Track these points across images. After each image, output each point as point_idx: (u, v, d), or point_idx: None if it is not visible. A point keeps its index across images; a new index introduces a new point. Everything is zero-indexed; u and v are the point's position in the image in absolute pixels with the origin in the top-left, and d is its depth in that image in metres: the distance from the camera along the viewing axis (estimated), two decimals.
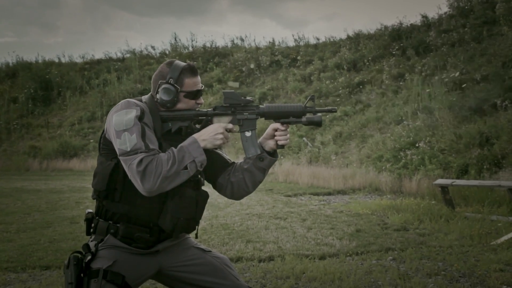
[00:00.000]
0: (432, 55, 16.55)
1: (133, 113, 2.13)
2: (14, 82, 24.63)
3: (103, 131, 2.26)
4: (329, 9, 51.55)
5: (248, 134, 2.35)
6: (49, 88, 23.95)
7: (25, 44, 47.13)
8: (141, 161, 2.06)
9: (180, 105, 2.28)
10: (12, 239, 6.72)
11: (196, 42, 25.38)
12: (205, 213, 8.74)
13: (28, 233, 7.10)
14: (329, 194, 11.33)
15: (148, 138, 2.13)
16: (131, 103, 2.19)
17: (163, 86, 2.24)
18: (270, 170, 14.53)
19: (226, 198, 10.70)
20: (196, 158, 2.14)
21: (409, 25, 19.12)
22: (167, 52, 25.02)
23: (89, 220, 2.30)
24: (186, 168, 2.11)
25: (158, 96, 2.25)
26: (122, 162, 2.10)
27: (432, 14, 19.84)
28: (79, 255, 2.18)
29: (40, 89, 23.73)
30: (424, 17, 19.04)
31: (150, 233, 2.26)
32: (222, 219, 8.02)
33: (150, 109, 2.25)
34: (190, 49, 24.87)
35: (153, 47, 25.76)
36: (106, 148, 2.23)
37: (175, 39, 25.54)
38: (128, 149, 2.07)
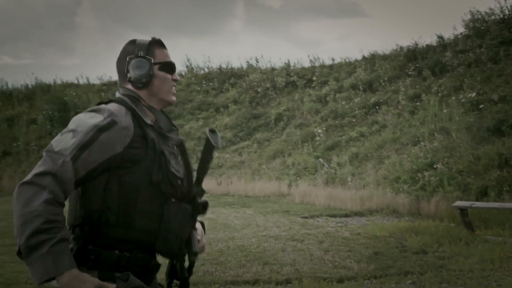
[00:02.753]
0: (449, 76, 16.48)
1: (96, 120, 1.78)
2: (32, 103, 24.95)
3: None
4: (343, 30, 51.79)
5: None
6: (66, 109, 24.17)
7: (42, 66, 47.84)
8: (38, 183, 1.62)
9: (156, 81, 1.98)
10: None
11: (212, 63, 25.63)
12: (221, 234, 8.76)
13: None
14: (346, 215, 11.25)
15: (88, 155, 1.72)
16: (106, 110, 1.83)
17: (134, 60, 1.96)
18: (287, 191, 14.57)
19: (243, 220, 10.66)
20: (37, 276, 1.59)
21: (424, 46, 19.08)
22: (183, 73, 25.23)
23: (80, 249, 1.80)
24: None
25: (130, 74, 1.95)
26: (44, 156, 1.70)
27: (448, 34, 19.76)
28: None
29: (58, 111, 23.98)
30: (440, 37, 19.01)
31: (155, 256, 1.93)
32: (239, 241, 7.99)
33: (135, 104, 1.92)
34: (206, 70, 25.06)
35: None
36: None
37: (188, 61, 25.76)
38: (55, 149, 1.69)
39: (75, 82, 26.80)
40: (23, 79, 33.68)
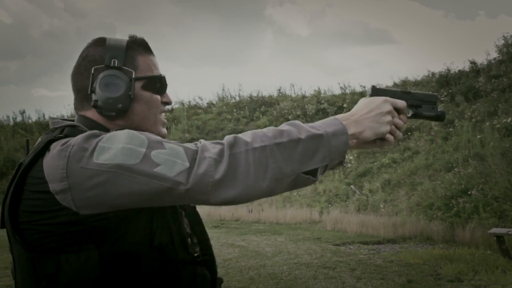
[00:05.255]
0: (482, 101, 16.26)
1: (123, 132, 1.14)
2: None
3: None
4: (371, 57, 51.66)
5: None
6: None
7: None
8: (217, 157, 1.10)
9: (138, 107, 1.29)
10: None
11: (242, 91, 25.90)
12: (252, 262, 8.71)
13: None
14: (379, 243, 11.08)
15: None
16: (92, 133, 1.15)
17: (104, 74, 1.25)
18: (318, 218, 14.45)
19: (274, 247, 10.60)
20: (332, 161, 1.17)
21: (457, 71, 18.93)
22: (214, 102, 25.51)
23: None
24: (314, 173, 1.15)
25: (96, 96, 1.24)
26: (192, 194, 1.09)
27: (481, 60, 19.56)
28: None
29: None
30: (473, 63, 18.82)
31: None
32: (270, 269, 7.93)
33: None
34: (237, 98, 25.30)
35: (200, 98, 26.39)
36: (74, 236, 1.12)
37: (223, 89, 26.08)
38: (187, 164, 1.09)
39: None
40: (59, 111, 34.49)
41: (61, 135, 1.20)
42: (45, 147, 1.17)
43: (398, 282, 6.72)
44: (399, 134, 1.32)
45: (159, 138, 1.14)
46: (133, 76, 1.27)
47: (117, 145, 1.09)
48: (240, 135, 1.14)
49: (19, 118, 27.55)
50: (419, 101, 1.40)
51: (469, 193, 11.54)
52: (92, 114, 1.28)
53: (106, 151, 1.08)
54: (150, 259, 1.18)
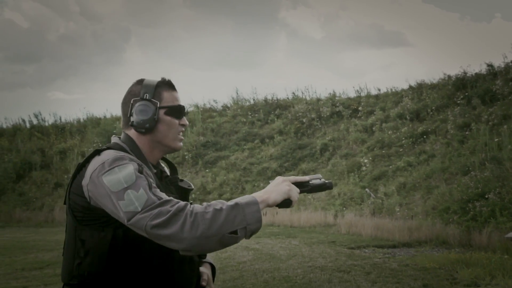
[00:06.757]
0: (499, 104, 16.10)
1: (130, 167, 1.70)
2: (83, 136, 25.68)
3: (83, 200, 1.76)
4: (387, 59, 51.25)
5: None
6: None
7: (93, 100, 49.18)
8: (165, 212, 1.60)
9: (161, 127, 1.89)
10: None
11: (257, 94, 25.86)
12: (266, 265, 8.70)
13: None
14: (394, 246, 11.01)
15: (158, 192, 1.69)
16: (120, 157, 1.75)
17: (138, 104, 1.87)
18: (333, 222, 14.41)
19: (288, 250, 10.57)
20: (250, 225, 1.65)
21: (473, 74, 18.74)
22: (229, 105, 25.55)
23: None
24: (235, 232, 1.62)
25: (133, 118, 1.87)
26: (133, 227, 1.63)
27: (498, 62, 19.32)
28: None
29: (107, 143, 24.61)
30: (490, 65, 18.63)
31: None
32: (284, 272, 7.92)
33: (135, 153, 1.88)
34: (251, 101, 25.29)
35: (215, 101, 26.40)
36: (92, 218, 1.75)
37: (237, 93, 26.05)
38: (139, 208, 1.60)
39: None
40: (75, 113, 34.82)
41: (105, 148, 1.84)
42: (95, 153, 1.80)
43: (414, 286, 6.67)
44: (295, 196, 1.80)
45: (143, 184, 1.66)
46: (158, 106, 1.88)
47: (119, 175, 1.68)
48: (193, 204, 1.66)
49: (35, 121, 27.78)
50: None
51: (486, 196, 11.42)
52: (130, 131, 1.93)
53: (112, 175, 1.68)
54: (151, 244, 1.68)
